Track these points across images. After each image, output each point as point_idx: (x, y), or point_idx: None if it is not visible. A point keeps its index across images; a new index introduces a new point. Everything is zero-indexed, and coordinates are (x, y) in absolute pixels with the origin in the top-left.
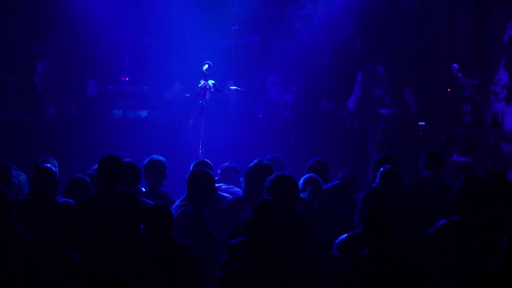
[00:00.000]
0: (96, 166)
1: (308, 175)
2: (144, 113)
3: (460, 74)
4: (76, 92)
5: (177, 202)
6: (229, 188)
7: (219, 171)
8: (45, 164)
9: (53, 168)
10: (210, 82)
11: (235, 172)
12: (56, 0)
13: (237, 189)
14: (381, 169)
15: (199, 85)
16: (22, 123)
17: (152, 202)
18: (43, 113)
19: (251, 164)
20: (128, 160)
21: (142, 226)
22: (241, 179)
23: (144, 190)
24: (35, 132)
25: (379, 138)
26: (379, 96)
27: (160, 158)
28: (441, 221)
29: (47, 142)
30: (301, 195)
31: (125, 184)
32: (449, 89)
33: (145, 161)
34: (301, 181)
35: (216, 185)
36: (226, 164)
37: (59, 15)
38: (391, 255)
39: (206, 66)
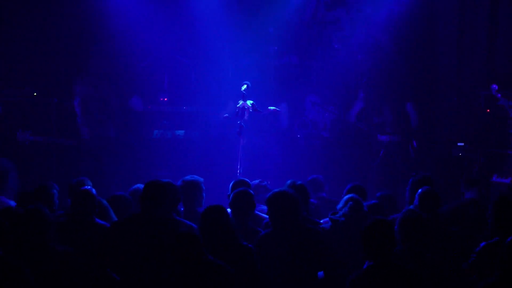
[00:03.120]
0: (133, 187)
1: (349, 195)
2: (182, 133)
3: (499, 95)
4: (115, 113)
5: None
6: (257, 206)
7: None
8: (86, 187)
9: (93, 191)
10: (249, 102)
11: (265, 191)
12: (96, 21)
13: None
14: (419, 190)
15: (238, 106)
16: (61, 145)
17: (189, 222)
18: (82, 134)
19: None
20: (168, 180)
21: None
22: None
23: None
24: (74, 153)
25: (381, 155)
26: (380, 123)
27: (196, 178)
28: (481, 244)
29: (86, 162)
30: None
31: (166, 206)
32: (488, 110)
33: (179, 182)
34: (343, 199)
35: None
36: (257, 181)
37: (99, 36)
38: (394, 266)
39: (245, 86)
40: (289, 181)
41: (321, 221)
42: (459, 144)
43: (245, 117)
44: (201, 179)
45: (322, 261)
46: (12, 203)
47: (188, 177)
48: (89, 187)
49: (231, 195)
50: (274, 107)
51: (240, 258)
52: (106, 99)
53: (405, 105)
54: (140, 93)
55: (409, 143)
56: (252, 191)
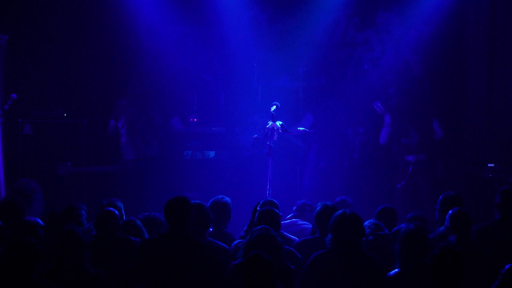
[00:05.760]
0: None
1: (369, 221)
2: (212, 154)
3: None
4: (159, 132)
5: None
6: (303, 224)
7: (294, 207)
8: (108, 208)
9: (116, 212)
10: (278, 123)
11: (311, 210)
12: (129, 42)
13: (309, 225)
14: (450, 212)
15: (267, 126)
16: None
17: (219, 243)
18: (125, 154)
19: (317, 208)
20: (199, 202)
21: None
22: None
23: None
24: (114, 175)
25: (409, 173)
26: (407, 144)
27: (225, 199)
28: (506, 267)
29: (126, 183)
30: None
31: (195, 225)
32: None
33: (209, 202)
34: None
35: (293, 219)
36: (303, 201)
37: (133, 56)
38: None
39: (274, 107)
40: (319, 203)
41: None
42: (489, 165)
43: (275, 138)
44: (229, 200)
45: None
46: (41, 223)
47: (218, 197)
48: (111, 208)
49: (256, 214)
50: (303, 128)
51: (283, 277)
52: (151, 118)
53: (431, 123)
54: (169, 116)
55: (435, 161)
56: (277, 210)
